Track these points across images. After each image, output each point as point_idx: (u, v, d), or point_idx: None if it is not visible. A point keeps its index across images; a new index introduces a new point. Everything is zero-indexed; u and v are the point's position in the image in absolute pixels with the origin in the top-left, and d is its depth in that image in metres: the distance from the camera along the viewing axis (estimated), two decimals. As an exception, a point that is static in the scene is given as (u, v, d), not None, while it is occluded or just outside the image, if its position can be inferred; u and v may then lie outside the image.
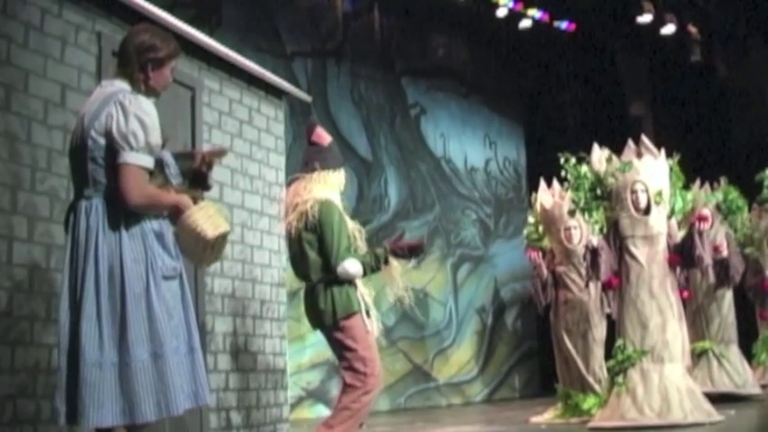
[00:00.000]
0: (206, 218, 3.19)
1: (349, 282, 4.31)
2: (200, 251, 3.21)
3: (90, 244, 3.00)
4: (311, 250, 4.31)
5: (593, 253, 6.12)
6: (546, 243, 7.42)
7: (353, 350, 4.26)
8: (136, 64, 3.17)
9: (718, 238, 8.13)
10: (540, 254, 7.33)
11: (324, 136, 4.60)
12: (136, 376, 2.92)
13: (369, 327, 4.34)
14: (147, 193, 3.06)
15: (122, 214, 3.02)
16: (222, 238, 3.26)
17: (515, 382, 11.98)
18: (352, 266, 4.26)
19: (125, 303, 2.96)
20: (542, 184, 7.54)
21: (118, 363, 2.93)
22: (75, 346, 2.94)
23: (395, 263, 4.45)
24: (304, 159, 4.57)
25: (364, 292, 4.43)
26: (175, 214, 3.15)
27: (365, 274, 4.35)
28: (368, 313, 4.37)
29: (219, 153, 3.51)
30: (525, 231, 7.75)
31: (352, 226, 4.44)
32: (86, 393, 2.89)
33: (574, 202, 6.39)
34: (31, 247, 3.91)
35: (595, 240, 6.15)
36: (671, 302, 6.13)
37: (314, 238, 4.30)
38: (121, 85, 3.15)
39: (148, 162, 3.07)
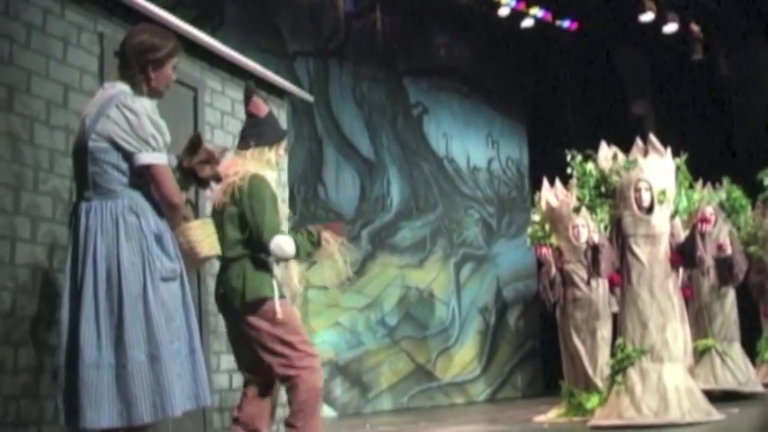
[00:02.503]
0: (205, 235, 3.22)
1: (265, 266, 3.89)
2: (188, 262, 3.25)
3: (89, 245, 3.02)
4: (231, 225, 3.86)
5: (594, 249, 6.12)
6: (553, 240, 7.42)
7: (274, 335, 3.83)
8: (136, 66, 3.17)
9: (721, 236, 8.13)
10: (550, 251, 7.32)
11: (261, 106, 4.17)
12: (132, 378, 2.93)
13: (282, 313, 3.84)
14: (180, 194, 3.16)
15: (121, 216, 3.04)
16: (210, 259, 3.34)
17: (518, 382, 11.97)
18: (286, 244, 3.85)
19: (122, 305, 2.97)
20: (545, 182, 7.54)
21: (115, 364, 2.94)
22: (75, 347, 2.96)
23: (330, 240, 4.06)
24: (240, 134, 4.20)
25: (294, 271, 4.08)
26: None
27: (298, 254, 3.93)
28: (284, 297, 3.94)
29: (195, 143, 3.44)
30: (529, 230, 7.74)
31: (283, 211, 4.18)
32: (84, 394, 2.91)
33: (579, 199, 6.39)
34: (34, 247, 3.91)
35: (597, 237, 6.16)
36: (672, 302, 6.13)
37: (237, 212, 3.86)
38: (122, 87, 3.16)
39: (167, 161, 3.13)
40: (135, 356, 2.93)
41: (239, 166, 3.98)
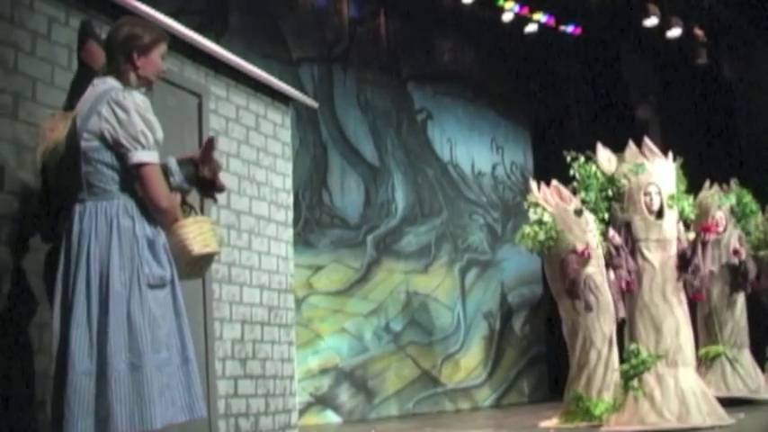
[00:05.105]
0: (197, 233, 3.08)
1: None
2: (182, 264, 3.11)
3: (82, 249, 2.94)
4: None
5: (619, 249, 6.07)
6: (565, 245, 7.35)
7: None
8: (121, 55, 3.10)
9: (732, 241, 8.10)
10: (588, 252, 7.09)
11: (97, 54, 3.41)
12: (111, 387, 2.84)
13: None
14: (171, 196, 3.04)
15: (116, 218, 2.96)
16: (207, 258, 3.16)
17: (524, 387, 11.95)
18: None
19: (107, 311, 2.88)
20: (533, 185, 7.56)
21: (97, 372, 2.86)
22: (65, 355, 2.88)
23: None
24: (70, 88, 3.54)
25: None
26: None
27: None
28: None
29: (209, 147, 3.34)
30: (528, 231, 7.66)
31: None
32: (74, 402, 2.83)
33: (583, 201, 6.36)
34: (39, 255, 3.91)
35: (618, 238, 6.10)
36: (683, 306, 6.13)
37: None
38: (113, 82, 3.08)
39: (158, 159, 3.04)
40: (115, 365, 2.84)
41: (59, 131, 3.30)
